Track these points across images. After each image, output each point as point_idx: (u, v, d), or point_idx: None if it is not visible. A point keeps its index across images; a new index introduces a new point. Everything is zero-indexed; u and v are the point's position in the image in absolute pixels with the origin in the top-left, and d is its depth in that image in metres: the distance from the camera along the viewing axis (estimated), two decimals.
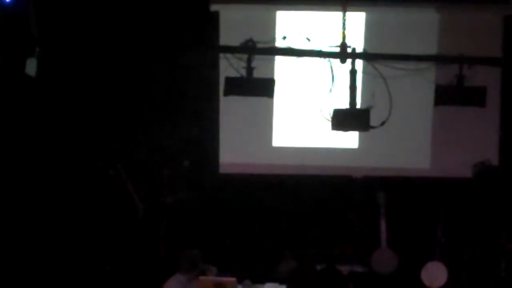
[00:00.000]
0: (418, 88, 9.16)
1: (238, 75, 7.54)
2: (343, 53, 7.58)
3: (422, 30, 9.47)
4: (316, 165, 9.63)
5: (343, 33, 7.61)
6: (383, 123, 7.73)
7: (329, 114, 7.72)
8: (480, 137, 9.58)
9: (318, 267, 9.14)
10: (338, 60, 7.66)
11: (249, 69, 7.50)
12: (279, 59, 9.18)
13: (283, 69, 9.35)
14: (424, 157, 9.72)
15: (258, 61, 7.60)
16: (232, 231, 9.68)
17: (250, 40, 7.55)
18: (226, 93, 7.69)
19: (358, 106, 7.79)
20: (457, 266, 8.92)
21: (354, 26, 9.28)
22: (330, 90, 7.74)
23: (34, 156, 9.20)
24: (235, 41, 7.66)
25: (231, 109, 9.47)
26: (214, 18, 9.46)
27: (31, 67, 7.27)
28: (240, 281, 7.78)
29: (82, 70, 9.34)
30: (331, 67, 7.71)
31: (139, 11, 9.34)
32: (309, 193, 9.73)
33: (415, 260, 8.99)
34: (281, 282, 8.18)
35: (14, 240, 8.86)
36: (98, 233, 9.12)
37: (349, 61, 7.66)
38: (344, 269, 9.04)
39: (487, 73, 8.13)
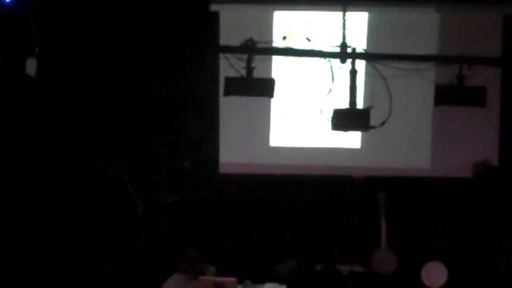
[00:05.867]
0: (418, 88, 9.17)
1: (238, 75, 7.54)
2: (343, 53, 7.58)
3: (422, 30, 9.47)
4: (316, 165, 9.63)
5: (343, 33, 7.60)
6: (383, 123, 7.72)
7: (329, 114, 7.71)
8: (480, 137, 9.58)
9: (318, 267, 9.14)
10: (338, 60, 7.66)
11: (249, 69, 7.50)
12: (279, 59, 9.18)
13: (282, 69, 9.36)
14: (424, 157, 9.71)
15: (258, 61, 7.59)
16: (232, 231, 9.67)
17: (250, 40, 7.54)
18: (226, 93, 7.68)
19: (358, 106, 7.78)
20: (457, 266, 8.92)
21: (357, 26, 9.29)
22: (330, 90, 7.73)
23: (34, 156, 9.20)
24: (235, 41, 7.66)
25: (231, 109, 9.47)
26: (214, 18, 9.46)
27: (31, 67, 7.27)
28: (240, 281, 7.78)
29: (82, 70, 9.35)
30: (331, 67, 7.71)
31: (139, 11, 9.35)
32: (310, 193, 9.73)
33: (415, 260, 8.99)
34: (281, 282, 8.19)
35: (13, 240, 8.85)
36: (98, 233, 9.11)
37: (349, 61, 7.65)
38: (344, 269, 9.05)
39: (487, 73, 8.13)
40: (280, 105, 9.60)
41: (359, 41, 8.97)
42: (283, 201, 9.77)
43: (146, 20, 9.32)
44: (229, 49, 7.77)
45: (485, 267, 8.88)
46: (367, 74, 8.56)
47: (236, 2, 9.50)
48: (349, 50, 7.59)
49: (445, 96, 7.86)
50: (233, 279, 7.00)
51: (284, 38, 8.17)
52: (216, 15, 9.47)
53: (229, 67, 7.61)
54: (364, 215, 9.56)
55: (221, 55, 8.41)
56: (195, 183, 9.61)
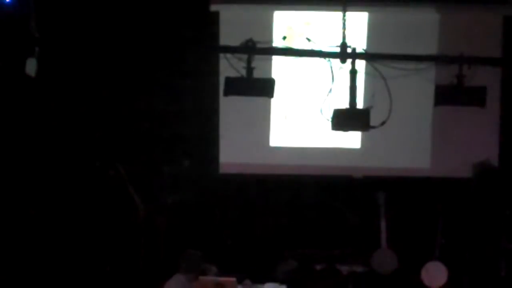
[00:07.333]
0: (418, 88, 9.17)
1: (238, 75, 7.54)
2: (343, 53, 7.57)
3: (422, 30, 9.47)
4: (316, 165, 9.63)
5: (343, 33, 7.60)
6: (383, 123, 7.72)
7: (329, 114, 7.71)
8: (480, 137, 9.58)
9: (318, 267, 9.14)
10: (338, 60, 7.66)
11: (249, 69, 7.50)
12: (279, 59, 9.18)
13: (282, 69, 9.36)
14: (424, 157, 9.71)
15: (258, 61, 7.59)
16: (232, 231, 9.67)
17: (250, 40, 7.54)
18: (226, 93, 7.68)
19: (358, 106, 7.78)
20: (457, 266, 8.92)
21: (357, 26, 9.29)
22: (330, 90, 7.73)
23: (34, 156, 9.20)
24: (235, 41, 7.66)
25: (231, 109, 9.47)
26: (214, 18, 9.46)
27: (31, 67, 7.27)
28: (240, 281, 7.79)
29: (82, 70, 9.35)
30: (331, 67, 7.70)
31: (139, 11, 9.35)
32: (310, 193, 9.74)
33: (415, 260, 8.99)
34: (281, 282, 8.19)
35: (14, 240, 8.85)
36: (98, 234, 9.11)
37: (349, 61, 7.65)
38: (344, 269, 9.05)
39: (487, 73, 8.12)
40: (280, 105, 9.60)
41: (359, 41, 8.96)
42: (283, 201, 9.76)
43: (146, 20, 9.32)
44: (229, 49, 7.77)
45: (485, 267, 8.89)
46: (367, 74, 8.56)
47: (236, 2, 9.49)
48: (349, 50, 7.58)
49: (445, 96, 7.86)
50: (233, 279, 7.02)
51: (284, 38, 8.16)
52: (216, 15, 9.47)
53: (229, 67, 7.61)
54: (364, 215, 9.56)
55: (221, 55, 8.41)
56: (195, 183, 9.61)
